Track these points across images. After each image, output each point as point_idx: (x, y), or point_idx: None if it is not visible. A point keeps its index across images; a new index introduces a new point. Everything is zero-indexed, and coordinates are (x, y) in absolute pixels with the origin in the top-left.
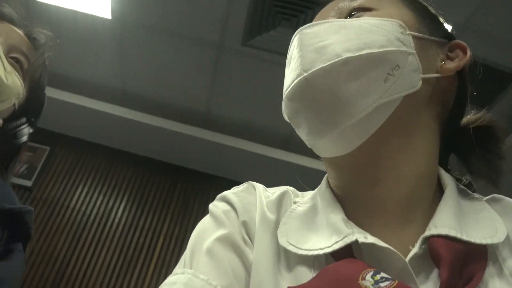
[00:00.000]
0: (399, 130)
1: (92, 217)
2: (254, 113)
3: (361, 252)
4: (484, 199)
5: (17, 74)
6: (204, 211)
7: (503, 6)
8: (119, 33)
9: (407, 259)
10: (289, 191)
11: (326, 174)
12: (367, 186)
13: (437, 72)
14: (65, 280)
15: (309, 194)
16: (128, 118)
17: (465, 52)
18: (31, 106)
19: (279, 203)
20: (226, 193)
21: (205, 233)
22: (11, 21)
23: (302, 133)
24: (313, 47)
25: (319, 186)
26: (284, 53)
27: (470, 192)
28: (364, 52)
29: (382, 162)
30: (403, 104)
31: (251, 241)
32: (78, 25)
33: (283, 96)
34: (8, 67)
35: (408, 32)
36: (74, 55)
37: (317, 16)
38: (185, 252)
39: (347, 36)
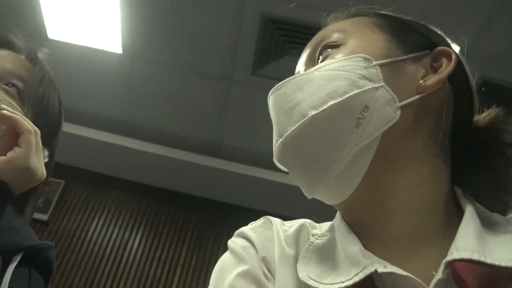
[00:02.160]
0: (391, 166)
1: (108, 249)
2: (266, 141)
3: (383, 282)
4: (505, 218)
5: (12, 101)
6: (221, 240)
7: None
8: (129, 67)
9: (431, 286)
10: (307, 223)
11: None
12: (378, 225)
13: (418, 93)
14: None
15: (326, 225)
16: (141, 150)
17: (450, 59)
18: (42, 127)
19: (297, 237)
20: (243, 229)
21: (226, 270)
22: (12, 48)
23: (304, 192)
24: (283, 110)
25: (335, 217)
26: None
27: (490, 212)
28: (328, 105)
29: (385, 201)
30: (385, 139)
31: (272, 276)
32: (90, 60)
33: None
34: (1, 95)
35: (374, 63)
36: (85, 89)
37: (299, 61)
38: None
39: (311, 90)
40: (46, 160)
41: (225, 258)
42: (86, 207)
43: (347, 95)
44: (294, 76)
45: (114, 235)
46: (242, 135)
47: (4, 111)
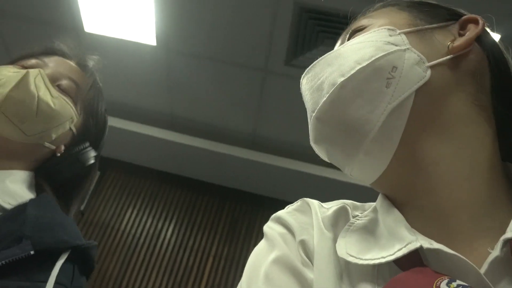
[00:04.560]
0: (431, 128)
1: (142, 239)
2: (300, 132)
3: (428, 261)
4: None
5: (65, 98)
6: (252, 231)
7: None
8: (164, 59)
9: (485, 264)
10: (346, 205)
11: None
12: (423, 198)
13: (447, 54)
14: None
15: (370, 206)
16: (176, 142)
17: (477, 23)
18: (91, 128)
19: (336, 219)
20: (280, 213)
21: (261, 257)
22: (62, 54)
23: (344, 170)
24: (314, 88)
25: (377, 199)
26: None
27: None
28: (356, 69)
29: (430, 168)
30: (419, 99)
31: (310, 260)
32: (126, 52)
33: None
34: (55, 93)
35: (398, 31)
36: (122, 81)
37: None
38: (242, 278)
39: (339, 62)
40: (93, 161)
41: (261, 246)
42: (121, 197)
43: (373, 58)
44: (322, 56)
45: (148, 225)
46: (276, 126)
47: None
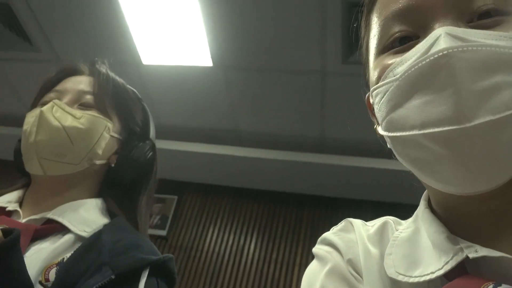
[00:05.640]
0: None
1: (226, 256)
2: (368, 128)
3: (478, 266)
4: None
5: (90, 113)
6: None
7: None
8: (222, 77)
9: None
10: (389, 220)
11: (425, 192)
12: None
13: None
14: None
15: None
16: (245, 156)
17: None
18: (130, 123)
19: (381, 235)
20: (326, 235)
21: (315, 274)
22: (77, 73)
23: (436, 177)
24: (475, 87)
25: (418, 208)
26: None
27: None
28: None
29: None
30: None
31: (360, 276)
32: (184, 77)
33: (416, 131)
34: (78, 114)
35: None
36: (185, 106)
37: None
38: None
39: None
40: (150, 153)
41: (313, 265)
42: (201, 219)
43: None
44: (488, 44)
45: (230, 242)
46: (343, 126)
47: None
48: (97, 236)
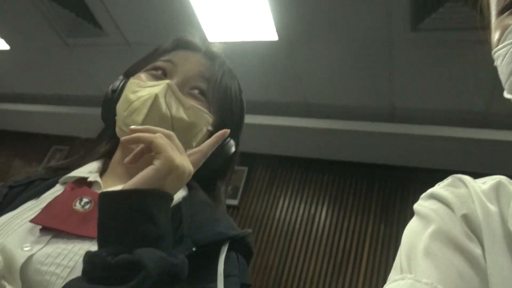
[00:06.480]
0: None
1: (297, 225)
2: (439, 97)
3: None
4: None
5: (198, 106)
6: (406, 206)
7: None
8: (289, 51)
9: None
10: (503, 180)
11: None
12: None
13: None
14: None
15: None
16: (315, 127)
17: None
18: (227, 119)
19: (497, 193)
20: (432, 190)
21: (417, 234)
22: (191, 48)
23: None
24: None
25: None
26: (459, 28)
27: None
28: None
29: None
30: None
31: (476, 235)
32: (251, 53)
33: None
34: (187, 103)
35: None
36: (253, 81)
37: None
38: (397, 257)
39: None
40: (233, 149)
41: (414, 224)
42: (271, 189)
43: None
44: None
45: (301, 211)
46: (414, 94)
47: (132, 127)
48: (177, 207)
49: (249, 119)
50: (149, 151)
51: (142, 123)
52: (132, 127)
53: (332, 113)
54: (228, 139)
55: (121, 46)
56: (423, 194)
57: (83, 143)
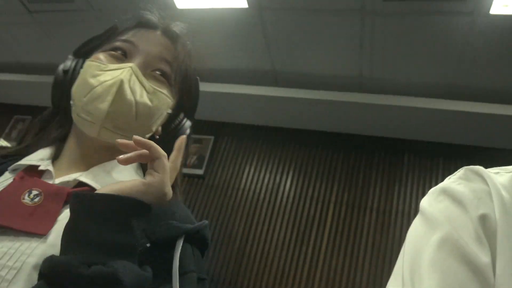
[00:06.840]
0: None
1: (262, 194)
2: (408, 68)
3: None
4: None
5: (161, 89)
6: (370, 174)
7: None
8: (258, 18)
9: None
10: None
11: None
12: None
13: None
14: (246, 257)
15: None
16: (282, 96)
17: None
18: (185, 101)
19: None
20: (445, 184)
21: (422, 239)
22: (150, 26)
23: None
24: None
25: None
26: None
27: None
28: None
29: None
30: None
31: (489, 239)
32: (220, 20)
33: None
34: (150, 88)
35: None
36: (221, 48)
37: None
38: (400, 261)
39: None
40: (189, 132)
41: (419, 226)
42: (237, 158)
43: None
44: None
45: (266, 180)
46: (385, 65)
47: (137, 138)
48: None
49: (216, 87)
50: (144, 161)
51: (108, 111)
52: (137, 138)
53: (300, 82)
54: (183, 120)
55: (85, 12)
56: (433, 189)
57: (34, 125)
